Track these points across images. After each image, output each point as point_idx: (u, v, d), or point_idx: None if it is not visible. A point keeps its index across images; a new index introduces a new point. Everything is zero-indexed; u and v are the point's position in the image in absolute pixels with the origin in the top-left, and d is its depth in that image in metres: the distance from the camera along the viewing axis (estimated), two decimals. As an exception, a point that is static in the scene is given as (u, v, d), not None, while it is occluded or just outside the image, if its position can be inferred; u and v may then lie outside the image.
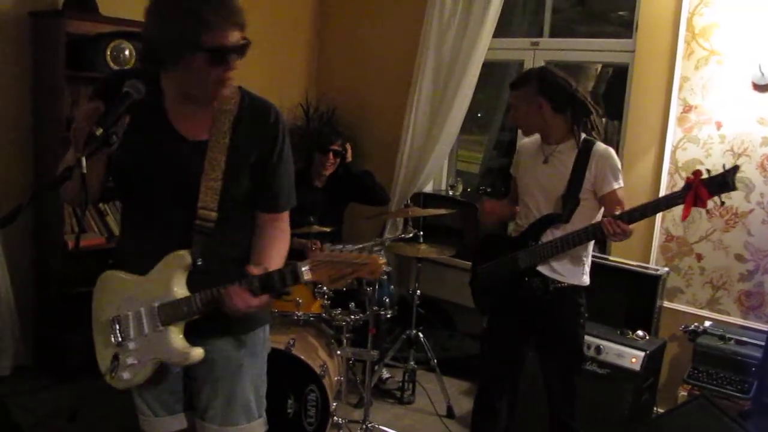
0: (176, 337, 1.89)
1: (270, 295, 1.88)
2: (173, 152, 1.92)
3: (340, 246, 1.91)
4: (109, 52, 4.00)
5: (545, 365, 3.01)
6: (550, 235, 2.83)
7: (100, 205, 4.22)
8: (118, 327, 1.96)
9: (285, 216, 2.10)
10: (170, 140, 1.93)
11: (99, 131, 1.67)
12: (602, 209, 2.84)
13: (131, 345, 1.94)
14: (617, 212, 2.67)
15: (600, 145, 2.83)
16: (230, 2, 1.80)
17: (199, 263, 1.89)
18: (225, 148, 1.91)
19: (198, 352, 1.90)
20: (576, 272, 2.88)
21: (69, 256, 3.89)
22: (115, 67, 4.04)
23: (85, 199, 1.73)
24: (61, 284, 3.92)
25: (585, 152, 2.82)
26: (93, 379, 3.63)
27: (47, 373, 4.04)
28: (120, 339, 1.95)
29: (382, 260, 1.83)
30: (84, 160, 1.64)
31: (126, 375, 1.96)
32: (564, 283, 2.85)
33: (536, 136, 2.94)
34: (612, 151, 2.84)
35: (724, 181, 2.46)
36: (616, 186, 2.80)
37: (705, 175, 2.48)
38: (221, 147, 1.91)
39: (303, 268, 1.81)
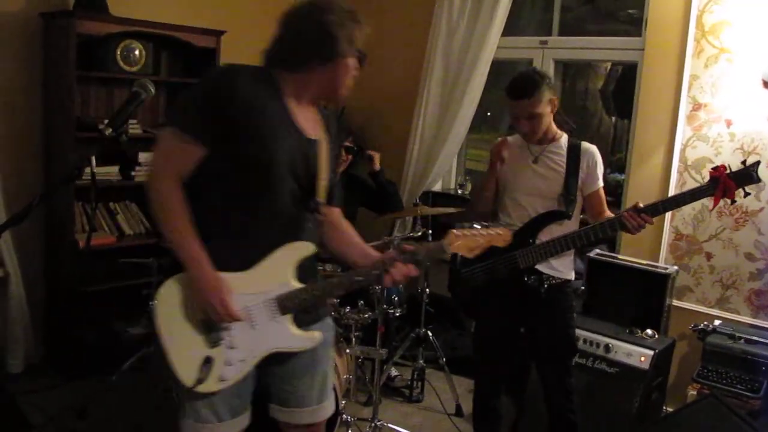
0: (292, 325, 2.01)
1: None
2: (299, 147, 2.02)
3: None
4: (119, 52, 4.03)
5: (542, 362, 3.03)
6: (548, 233, 2.84)
7: (111, 204, 4.25)
8: (215, 327, 1.95)
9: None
10: (297, 137, 2.02)
11: (108, 131, 1.69)
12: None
13: (236, 342, 1.97)
14: (640, 206, 2.66)
15: (586, 144, 2.91)
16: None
17: (319, 253, 2.06)
18: (326, 148, 2.09)
19: (318, 335, 2.07)
20: (569, 267, 2.95)
21: (80, 255, 3.91)
22: (125, 68, 4.07)
23: (95, 198, 1.75)
24: (72, 283, 3.95)
25: (575, 151, 2.87)
26: (103, 377, 3.72)
27: (58, 370, 4.06)
28: (217, 339, 1.96)
29: (510, 233, 2.14)
30: (93, 159, 1.66)
31: (230, 373, 1.97)
32: (559, 278, 2.89)
33: (516, 135, 2.97)
34: (596, 149, 2.92)
35: (749, 174, 2.57)
36: (601, 184, 2.92)
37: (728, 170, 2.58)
38: (325, 147, 2.09)
39: (446, 244, 2.06)
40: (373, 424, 3.49)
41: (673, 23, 3.85)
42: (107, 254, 4.04)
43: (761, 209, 3.64)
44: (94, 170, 1.67)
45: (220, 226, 1.99)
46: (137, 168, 4.18)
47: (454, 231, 2.08)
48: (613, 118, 5.83)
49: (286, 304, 1.98)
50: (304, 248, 2.03)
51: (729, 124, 3.71)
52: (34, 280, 4.14)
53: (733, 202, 2.66)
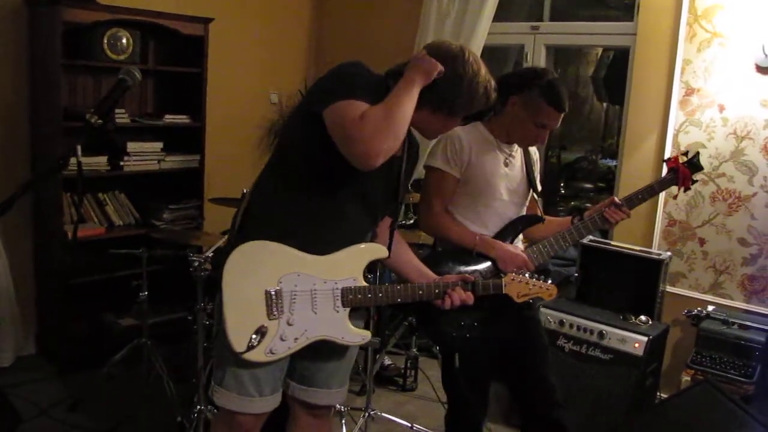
0: (347, 318, 2.07)
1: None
2: (390, 162, 1.97)
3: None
4: (106, 41, 3.97)
5: (534, 362, 2.74)
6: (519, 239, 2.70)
7: (100, 194, 4.21)
8: (277, 300, 1.99)
9: None
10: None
11: (94, 119, 1.66)
12: None
13: (291, 319, 2.01)
14: (617, 201, 2.64)
15: None
16: None
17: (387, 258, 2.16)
18: (404, 167, 2.18)
19: (368, 334, 2.12)
20: None
21: (69, 246, 3.87)
22: (113, 56, 4.01)
23: (81, 189, 1.73)
24: (62, 274, 3.91)
25: (526, 150, 2.72)
26: (94, 370, 3.70)
27: (49, 363, 4.03)
28: (276, 312, 1.99)
29: (555, 290, 2.34)
30: (79, 148, 1.63)
31: (281, 348, 2.02)
32: None
33: (476, 130, 2.59)
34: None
35: (697, 163, 2.75)
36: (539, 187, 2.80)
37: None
38: (406, 168, 2.19)
39: (503, 283, 2.27)
40: (366, 414, 3.48)
41: (665, 7, 3.83)
42: (96, 245, 4.00)
43: (754, 194, 3.64)
44: (80, 160, 1.63)
45: (306, 210, 2.04)
46: (126, 158, 4.13)
47: (512, 275, 2.29)
48: (605, 104, 5.83)
49: (349, 297, 2.05)
50: (378, 251, 2.12)
51: (722, 108, 3.70)
52: (23, 272, 4.10)
53: (687, 190, 2.76)
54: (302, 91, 5.37)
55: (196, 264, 3.02)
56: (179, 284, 3.84)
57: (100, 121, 1.66)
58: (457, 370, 2.61)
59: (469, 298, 2.19)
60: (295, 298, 2.00)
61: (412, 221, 3.94)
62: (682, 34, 3.76)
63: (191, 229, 4.35)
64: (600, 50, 4.98)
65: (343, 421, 3.39)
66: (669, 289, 3.83)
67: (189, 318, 3.59)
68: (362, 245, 2.09)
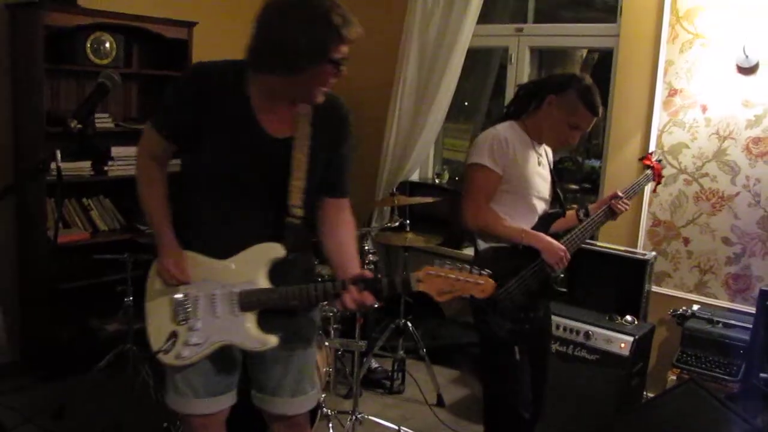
0: (252, 323, 1.98)
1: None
2: (262, 150, 1.98)
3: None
4: (89, 45, 3.95)
5: (544, 360, 2.85)
6: None
7: (84, 199, 4.18)
8: (184, 306, 2.00)
9: (348, 202, 2.20)
10: (258, 138, 1.98)
11: (74, 123, 1.65)
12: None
13: (198, 325, 2.00)
14: (619, 193, 2.80)
15: None
16: (352, 17, 1.90)
17: (290, 257, 1.98)
18: (306, 146, 2.00)
19: (273, 340, 1.99)
20: None
21: (53, 252, 3.85)
22: (96, 60, 4.00)
23: (60, 193, 1.72)
24: (46, 280, 3.88)
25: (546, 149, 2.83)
26: (79, 376, 3.66)
27: (34, 370, 3.99)
28: (183, 318, 2.00)
29: (493, 283, 1.88)
30: (59, 152, 1.62)
31: (186, 353, 2.02)
32: None
33: (515, 130, 2.67)
34: None
35: (661, 160, 3.24)
36: None
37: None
38: (303, 146, 1.99)
39: (414, 279, 1.90)
40: (353, 417, 3.47)
41: (647, 9, 3.85)
42: (81, 251, 3.97)
43: (737, 194, 3.66)
44: (60, 164, 1.62)
45: (200, 215, 2.06)
46: (110, 163, 4.10)
47: (429, 268, 1.91)
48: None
49: (246, 302, 1.97)
50: (272, 250, 1.99)
51: (705, 109, 3.72)
52: (7, 278, 4.06)
53: (658, 184, 3.10)
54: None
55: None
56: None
57: (80, 126, 1.65)
58: (518, 362, 2.60)
59: (365, 298, 1.91)
60: (198, 304, 2.01)
61: (397, 223, 3.93)
62: (664, 35, 3.78)
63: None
64: (585, 52, 4.99)
65: (330, 425, 3.37)
66: (654, 288, 3.85)
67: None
68: (257, 246, 2.00)
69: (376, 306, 2.02)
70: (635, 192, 2.92)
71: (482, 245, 2.64)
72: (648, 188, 3.57)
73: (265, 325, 2.01)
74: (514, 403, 2.64)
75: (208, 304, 2.00)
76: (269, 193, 2.00)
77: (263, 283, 1.99)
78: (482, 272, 1.91)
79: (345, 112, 2.11)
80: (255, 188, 2.01)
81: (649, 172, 3.03)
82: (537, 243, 2.58)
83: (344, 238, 2.13)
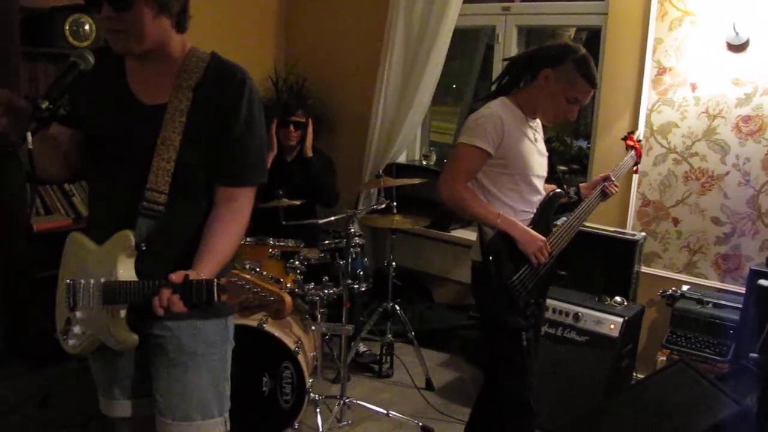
0: (115, 318, 1.76)
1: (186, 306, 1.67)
2: (126, 117, 1.81)
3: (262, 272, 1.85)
4: (67, 27, 3.86)
5: (536, 345, 2.79)
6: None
7: (66, 185, 4.11)
8: (72, 292, 1.84)
9: (244, 194, 1.91)
10: (125, 104, 1.81)
11: (45, 104, 1.58)
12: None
13: (79, 314, 1.83)
14: (610, 176, 2.79)
15: None
16: None
17: (143, 248, 1.77)
18: (181, 124, 1.77)
19: (132, 339, 1.78)
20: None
21: (34, 239, 3.78)
22: (75, 43, 3.91)
23: (32, 176, 1.64)
24: (28, 268, 3.81)
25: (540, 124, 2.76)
26: (64, 364, 3.61)
27: (17, 359, 3.94)
28: (72, 305, 1.84)
29: (290, 301, 1.67)
30: (30, 135, 1.55)
31: (71, 342, 1.88)
32: None
33: (508, 107, 2.58)
34: None
35: (640, 140, 3.11)
36: None
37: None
38: (176, 125, 1.76)
39: (216, 287, 1.64)
40: (341, 402, 3.44)
41: (636, -14, 3.79)
42: (63, 237, 3.88)
43: (727, 173, 3.63)
44: (30, 147, 1.54)
45: (90, 194, 2.01)
46: (91, 147, 4.02)
47: (234, 272, 1.72)
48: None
49: (107, 295, 1.75)
50: (123, 238, 1.77)
51: (694, 87, 3.68)
52: (-13, 266, 4.00)
53: (637, 164, 3.02)
54: (272, 76, 5.30)
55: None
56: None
57: (51, 106, 1.58)
58: (525, 348, 2.54)
59: (172, 303, 1.64)
60: (79, 292, 1.82)
61: (383, 205, 3.88)
62: (653, 12, 3.73)
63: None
64: (573, 31, 4.94)
65: (318, 410, 3.34)
66: (644, 269, 3.83)
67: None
68: (116, 234, 1.78)
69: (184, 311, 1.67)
70: (622, 173, 2.89)
71: (489, 233, 2.53)
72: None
73: (147, 321, 1.82)
74: (526, 393, 2.60)
75: (87, 294, 1.81)
76: (129, 170, 1.79)
77: (122, 274, 1.75)
78: (282, 288, 1.72)
79: (238, 81, 1.82)
80: (117, 165, 1.82)
81: (633, 152, 2.97)
82: (512, 231, 2.51)
83: (213, 230, 1.84)
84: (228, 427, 2.00)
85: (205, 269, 1.74)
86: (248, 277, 1.68)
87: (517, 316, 2.53)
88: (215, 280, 1.65)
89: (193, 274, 1.68)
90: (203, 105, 1.80)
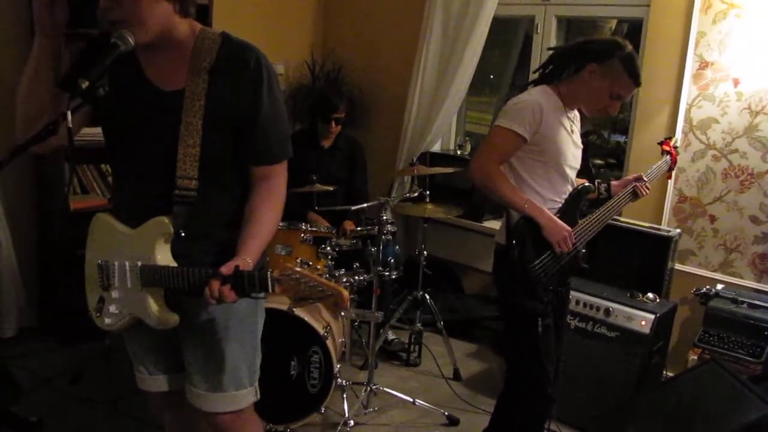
0: (154, 299, 1.83)
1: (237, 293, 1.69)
2: (148, 105, 1.82)
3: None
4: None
5: (561, 337, 2.83)
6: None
7: (102, 165, 4.16)
8: (105, 272, 1.92)
9: (278, 170, 1.93)
10: (145, 92, 1.83)
11: (85, 84, 1.60)
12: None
13: (114, 294, 1.91)
14: (643, 177, 2.79)
15: None
16: None
17: (182, 234, 1.80)
18: (201, 108, 1.77)
19: (174, 319, 1.84)
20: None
21: (72, 218, 3.84)
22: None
23: (72, 155, 1.67)
24: (65, 246, 3.87)
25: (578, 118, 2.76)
26: (97, 342, 3.67)
27: (51, 335, 4.02)
28: (106, 284, 1.92)
29: (347, 295, 1.65)
30: (70, 114, 1.57)
31: (108, 321, 1.95)
32: None
33: (549, 96, 2.58)
34: None
35: (677, 147, 3.06)
36: None
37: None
38: (197, 109, 1.77)
39: (271, 280, 1.65)
40: (368, 388, 3.46)
41: (680, -22, 3.72)
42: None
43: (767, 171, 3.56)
44: (70, 125, 1.57)
45: (117, 183, 2.05)
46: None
47: (287, 268, 1.66)
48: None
49: (146, 278, 1.81)
50: (161, 225, 1.81)
51: (736, 83, 3.60)
52: (26, 243, 4.08)
53: (671, 170, 3.02)
54: (308, 62, 5.31)
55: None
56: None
57: (91, 86, 1.60)
58: (540, 334, 2.54)
59: (224, 295, 1.66)
60: (114, 272, 1.89)
61: (416, 194, 3.87)
62: (697, 5, 3.65)
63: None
64: (614, 22, 4.86)
65: (345, 396, 3.36)
66: (678, 266, 3.77)
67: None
68: (152, 219, 1.82)
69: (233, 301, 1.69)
70: (655, 176, 2.87)
71: (515, 217, 2.53)
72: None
73: (174, 302, 1.86)
74: (541, 379, 2.59)
75: (121, 275, 1.88)
76: (157, 161, 1.81)
77: (160, 259, 1.81)
78: (339, 282, 1.71)
79: (254, 64, 1.81)
80: (142, 154, 1.85)
81: (668, 158, 2.95)
82: (539, 217, 2.51)
83: (253, 210, 1.88)
84: (258, 396, 2.07)
85: (250, 252, 1.78)
86: (303, 271, 1.67)
87: (534, 301, 2.53)
88: (270, 272, 1.65)
89: (241, 262, 1.71)
90: (221, 88, 1.80)
